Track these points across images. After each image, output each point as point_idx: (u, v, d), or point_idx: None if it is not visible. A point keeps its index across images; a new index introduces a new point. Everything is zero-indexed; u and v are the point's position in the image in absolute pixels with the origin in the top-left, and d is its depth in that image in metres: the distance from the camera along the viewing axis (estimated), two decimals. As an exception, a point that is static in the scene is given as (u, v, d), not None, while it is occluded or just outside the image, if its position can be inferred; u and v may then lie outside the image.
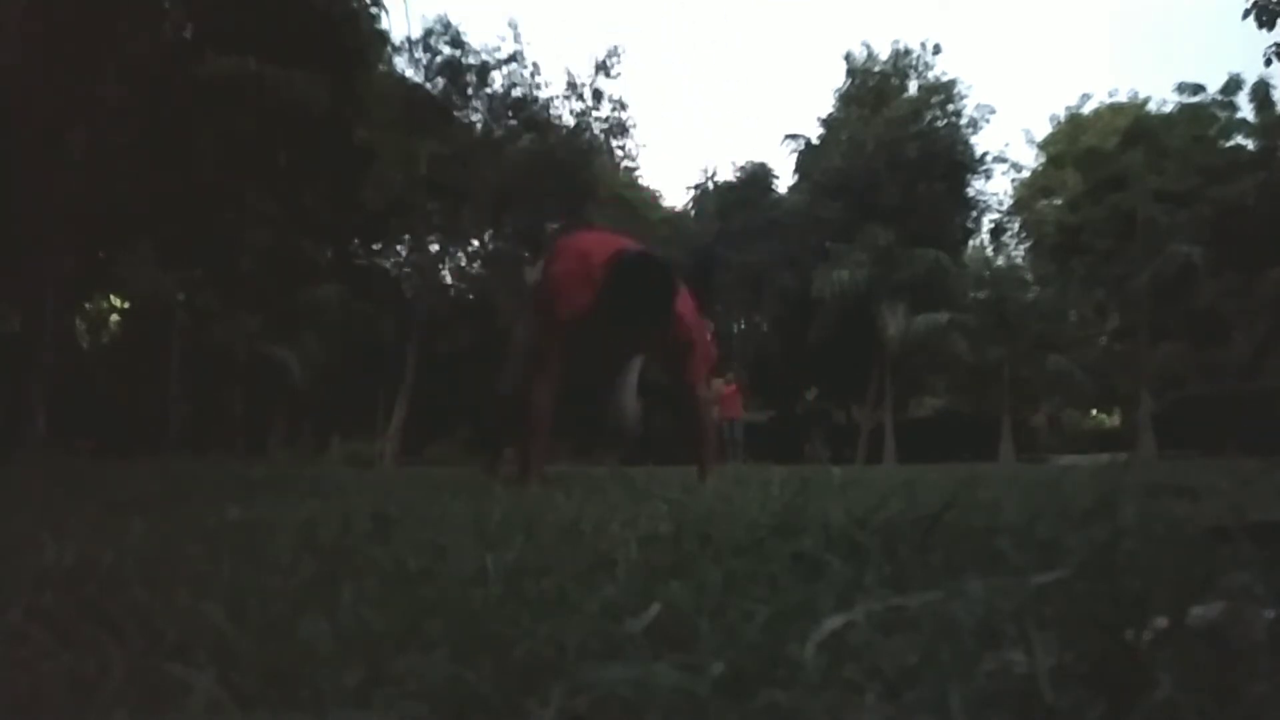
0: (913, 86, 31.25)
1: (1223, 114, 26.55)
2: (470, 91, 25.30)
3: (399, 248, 27.85)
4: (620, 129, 26.76)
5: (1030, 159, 40.55)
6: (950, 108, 30.56)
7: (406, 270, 27.63)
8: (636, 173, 32.25)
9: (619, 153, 27.96)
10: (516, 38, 27.32)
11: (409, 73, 24.62)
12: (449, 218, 25.72)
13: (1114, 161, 25.78)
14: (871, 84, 31.21)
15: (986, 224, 34.06)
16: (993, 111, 34.57)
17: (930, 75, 31.21)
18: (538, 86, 25.81)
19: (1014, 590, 0.67)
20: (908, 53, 31.43)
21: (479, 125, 25.55)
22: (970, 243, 34.54)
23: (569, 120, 26.27)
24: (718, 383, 14.29)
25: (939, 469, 6.10)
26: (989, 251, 36.78)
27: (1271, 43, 10.76)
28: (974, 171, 30.80)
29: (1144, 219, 24.10)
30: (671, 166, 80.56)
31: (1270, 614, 0.60)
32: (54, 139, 11.21)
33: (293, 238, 17.26)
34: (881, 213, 27.25)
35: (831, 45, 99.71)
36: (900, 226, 26.90)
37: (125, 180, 12.72)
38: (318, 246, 20.73)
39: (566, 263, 3.29)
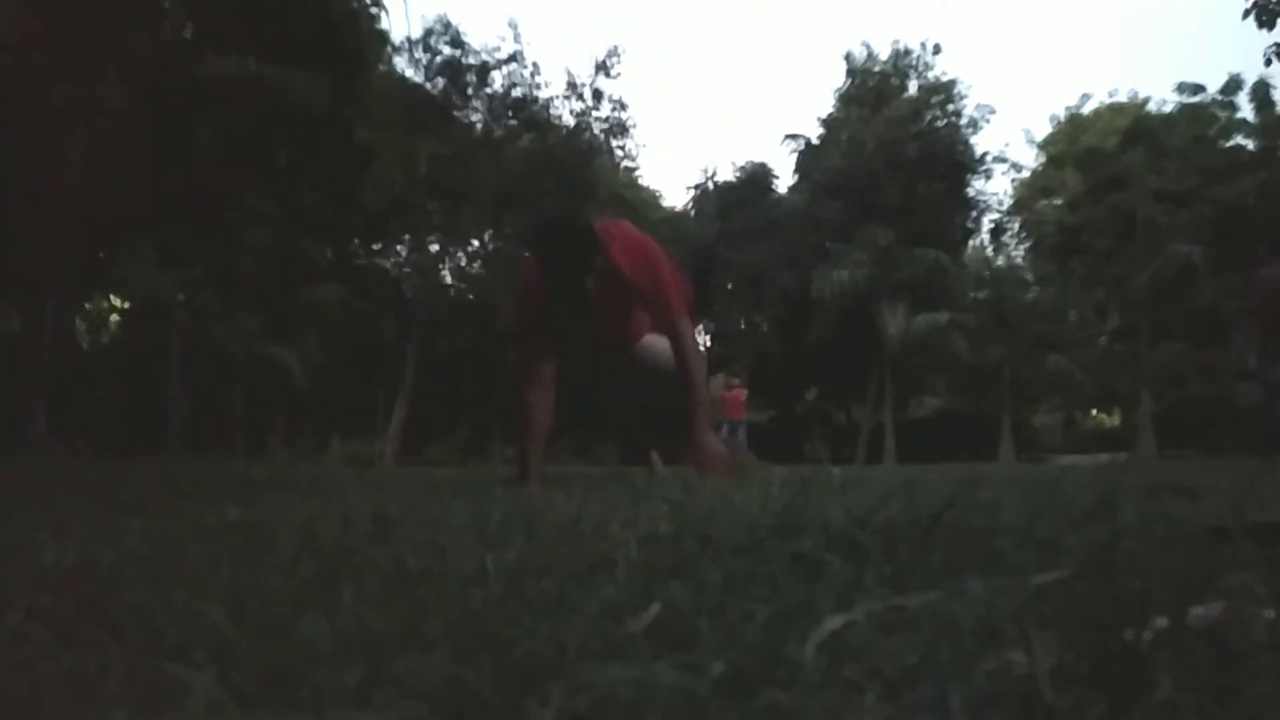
0: (913, 86, 31.27)
1: (1223, 114, 26.56)
2: (470, 91, 25.31)
3: (399, 248, 27.86)
4: (620, 129, 26.77)
5: (1030, 159, 40.63)
6: (950, 108, 30.58)
7: (406, 270, 27.64)
8: (636, 173, 32.29)
9: (619, 153, 27.98)
10: (516, 38, 27.34)
11: (409, 73, 24.65)
12: (449, 218, 25.72)
13: (1114, 161, 25.80)
14: (871, 84, 31.22)
15: (986, 224, 34.11)
16: (993, 111, 34.63)
17: (930, 75, 31.25)
18: (538, 86, 25.83)
19: (1014, 590, 0.67)
20: (908, 53, 31.46)
21: (479, 125, 25.55)
22: (970, 243, 34.57)
23: (569, 120, 26.29)
24: (715, 382, 14.30)
25: (939, 469, 6.10)
26: (989, 251, 36.81)
27: (1271, 43, 10.77)
28: (974, 171, 30.82)
29: (1144, 219, 24.12)
30: (671, 166, 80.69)
31: (1270, 614, 0.60)
32: (54, 139, 11.21)
33: (293, 238, 17.26)
34: (881, 213, 27.27)
35: (831, 45, 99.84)
36: (900, 226, 26.92)
37: (125, 180, 12.72)
38: (318, 246, 20.73)
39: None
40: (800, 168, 31.16)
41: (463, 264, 29.34)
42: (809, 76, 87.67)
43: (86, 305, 18.84)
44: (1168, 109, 28.65)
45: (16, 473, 4.05)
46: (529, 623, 0.63)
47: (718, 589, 0.74)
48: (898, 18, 73.49)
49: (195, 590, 0.74)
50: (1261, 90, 25.32)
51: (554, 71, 53.85)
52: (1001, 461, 21.50)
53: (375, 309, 22.09)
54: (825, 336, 26.74)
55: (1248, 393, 18.59)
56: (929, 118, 30.17)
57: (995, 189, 54.23)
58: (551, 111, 26.06)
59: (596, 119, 26.37)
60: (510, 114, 25.62)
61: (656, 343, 3.39)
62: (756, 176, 31.03)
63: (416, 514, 1.51)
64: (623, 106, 26.51)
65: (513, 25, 33.29)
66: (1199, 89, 26.68)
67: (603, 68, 26.03)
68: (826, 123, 31.81)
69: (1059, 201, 32.72)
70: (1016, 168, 37.13)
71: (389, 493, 2.48)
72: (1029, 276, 32.13)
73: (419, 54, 24.76)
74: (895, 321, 25.86)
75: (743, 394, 15.80)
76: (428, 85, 24.79)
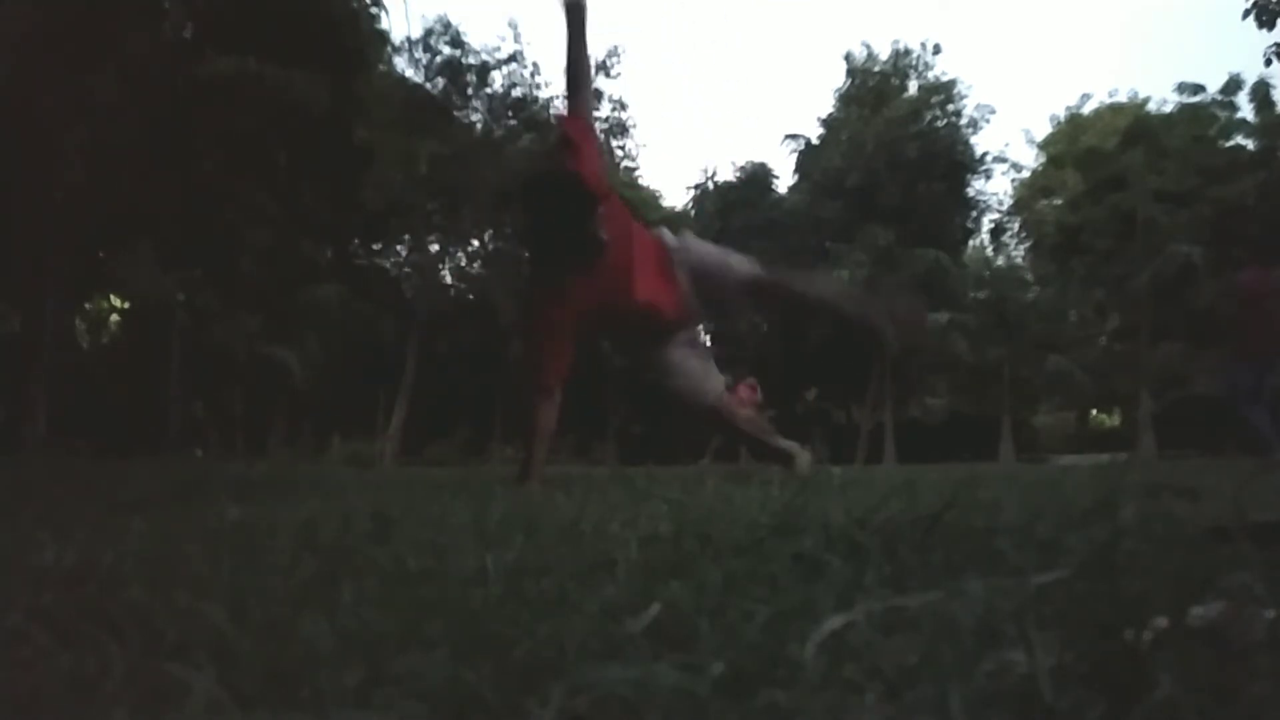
0: (913, 86, 31.28)
1: (1223, 114, 26.55)
2: (470, 91, 25.32)
3: (399, 248, 27.87)
4: (620, 129, 26.79)
5: (1030, 159, 40.67)
6: (950, 108, 30.60)
7: (406, 270, 27.65)
8: (636, 173, 32.28)
9: (619, 153, 27.99)
10: (516, 38, 27.44)
11: (409, 73, 24.67)
12: (449, 218, 25.74)
13: (1114, 161, 25.79)
14: (871, 84, 31.23)
15: (986, 224, 34.12)
16: (993, 111, 34.68)
17: (930, 75, 31.26)
18: (538, 86, 25.85)
19: (1014, 590, 0.67)
20: (908, 53, 31.47)
21: (479, 125, 25.56)
22: (970, 243, 34.57)
23: (569, 120, 26.27)
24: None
25: (939, 469, 6.10)
26: (989, 251, 36.81)
27: (1271, 43, 10.77)
28: (974, 171, 30.84)
29: (1144, 219, 24.11)
30: (671, 166, 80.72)
31: (1270, 614, 0.60)
32: (54, 139, 11.20)
33: (293, 238, 17.25)
34: (881, 213, 27.28)
35: (831, 45, 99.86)
36: (900, 226, 26.93)
37: (125, 180, 12.71)
38: (318, 246, 20.72)
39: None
40: (800, 168, 31.18)
41: (463, 264, 29.37)
42: (809, 76, 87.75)
43: (86, 305, 18.84)
44: (1168, 109, 28.67)
45: (16, 473, 4.05)
46: (529, 623, 0.63)
47: (718, 589, 0.74)
48: (898, 18, 73.55)
49: (195, 590, 0.74)
50: (1261, 90, 25.32)
51: (554, 71, 53.84)
52: (1001, 461, 21.50)
53: (375, 309, 22.11)
54: (825, 336, 26.75)
55: (1208, 382, 18.57)
56: (929, 118, 30.18)
57: (995, 189, 54.35)
58: (551, 111, 26.07)
59: (597, 119, 26.39)
60: (510, 114, 25.64)
61: (688, 364, 3.38)
62: (756, 176, 31.05)
63: (416, 514, 1.51)
64: (623, 106, 26.57)
65: (513, 25, 33.36)
66: (1199, 89, 26.69)
67: (603, 68, 26.07)
68: (826, 123, 31.83)
69: (1059, 201, 32.72)
70: (1016, 168, 37.18)
71: (389, 493, 2.47)
72: (1029, 276, 32.14)
73: (419, 54, 24.80)
74: (895, 321, 25.86)
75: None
76: (428, 85, 24.82)
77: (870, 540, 0.96)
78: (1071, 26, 78.40)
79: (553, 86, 28.05)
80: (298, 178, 15.94)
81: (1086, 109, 38.76)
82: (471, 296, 27.67)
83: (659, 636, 0.60)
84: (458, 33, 25.12)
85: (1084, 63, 78.93)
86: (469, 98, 25.41)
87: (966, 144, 30.25)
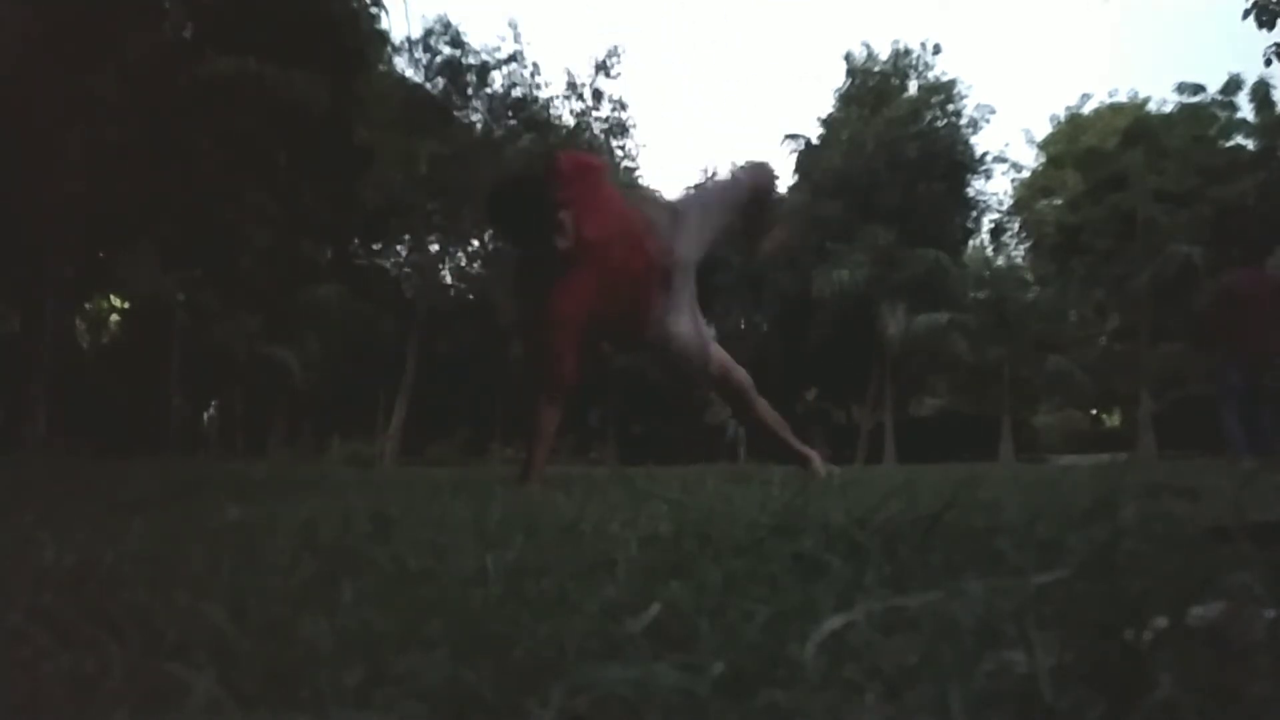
0: (913, 86, 31.27)
1: (1223, 114, 26.55)
2: (470, 91, 25.32)
3: (399, 248, 27.87)
4: (620, 129, 26.79)
5: (1030, 159, 40.65)
6: (950, 108, 30.58)
7: (406, 270, 27.65)
8: (636, 173, 32.26)
9: (619, 153, 27.98)
10: (516, 38, 27.40)
11: (409, 73, 24.67)
12: (449, 218, 25.74)
13: (1114, 161, 25.79)
14: (871, 84, 31.21)
15: (986, 224, 34.11)
16: (993, 111, 34.63)
17: (930, 75, 31.23)
18: (538, 86, 25.85)
19: (1014, 590, 0.67)
20: (908, 53, 31.45)
21: (479, 125, 25.56)
22: (970, 243, 34.56)
23: (569, 120, 26.30)
24: None
25: (939, 469, 6.10)
26: (989, 251, 36.80)
27: (1271, 43, 10.75)
28: (974, 171, 30.82)
29: (1144, 219, 24.11)
30: (671, 166, 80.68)
31: (1270, 614, 0.60)
32: (53, 138, 11.20)
33: (293, 238, 17.26)
34: (881, 213, 27.26)
35: (831, 45, 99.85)
36: (900, 226, 26.91)
37: (125, 180, 12.72)
38: (318, 246, 20.73)
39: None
40: (800, 168, 31.15)
41: (463, 264, 29.37)
42: (809, 76, 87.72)
43: (86, 305, 18.84)
44: (1168, 109, 28.67)
45: (16, 473, 4.05)
46: (529, 623, 0.63)
47: (718, 589, 0.74)
48: (898, 18, 73.55)
49: (195, 590, 0.74)
50: (1261, 90, 25.31)
51: (554, 71, 53.87)
52: (1001, 461, 21.50)
53: (375, 309, 22.10)
54: (825, 336, 26.74)
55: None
56: (929, 118, 30.16)
57: (995, 189, 54.29)
58: (551, 111, 26.09)
59: (596, 119, 26.39)
60: (510, 114, 25.64)
61: (690, 333, 3.36)
62: (756, 176, 31.00)
63: (416, 514, 1.51)
64: (623, 106, 26.55)
65: (513, 25, 33.36)
66: (1199, 89, 26.68)
67: (603, 68, 26.08)
68: (826, 123, 31.81)
69: (1059, 201, 32.72)
70: (1016, 168, 37.17)
71: (389, 493, 2.47)
72: (1029, 276, 32.12)
73: (419, 54, 24.80)
74: (895, 321, 25.86)
75: None
76: (428, 85, 24.81)
77: (870, 540, 0.96)
78: (1072, 26, 78.43)
79: (553, 86, 28.09)
80: (298, 178, 15.94)
81: (1086, 109, 38.79)
82: (471, 296, 27.67)
83: (659, 636, 0.60)
84: (458, 33, 25.14)
85: (1084, 63, 78.95)
86: (469, 98, 25.41)
87: (966, 144, 30.24)
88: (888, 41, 36.95)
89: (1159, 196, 24.13)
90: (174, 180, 13.45)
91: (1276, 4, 10.26)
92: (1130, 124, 28.20)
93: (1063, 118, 39.37)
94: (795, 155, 31.37)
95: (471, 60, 25.16)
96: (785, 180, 31.76)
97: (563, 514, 1.46)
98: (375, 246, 26.86)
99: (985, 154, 31.06)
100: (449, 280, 29.03)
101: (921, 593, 0.66)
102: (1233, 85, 26.34)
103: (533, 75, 25.72)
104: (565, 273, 3.06)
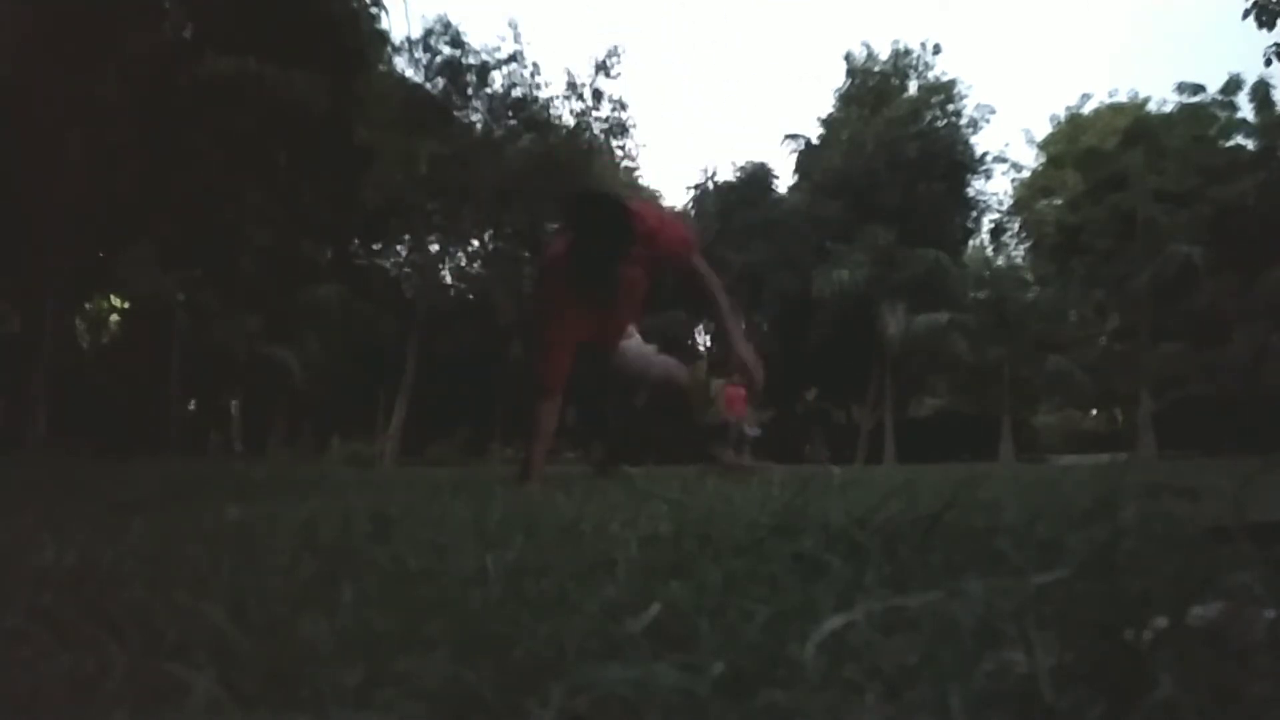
0: (913, 86, 31.28)
1: (1223, 114, 26.54)
2: (470, 91, 25.31)
3: (399, 248, 27.86)
4: (620, 129, 26.77)
5: (1030, 159, 40.67)
6: (950, 108, 30.60)
7: (406, 270, 27.65)
8: (636, 173, 32.30)
9: (619, 153, 27.99)
10: (516, 38, 27.37)
11: (409, 73, 24.66)
12: (449, 218, 25.73)
13: (1114, 161, 25.78)
14: (871, 84, 31.23)
15: (986, 224, 34.12)
16: (993, 111, 34.65)
17: (930, 75, 31.25)
18: (538, 86, 25.83)
19: (1014, 590, 0.67)
20: (908, 53, 31.47)
21: (479, 125, 25.55)
22: (970, 243, 34.56)
23: (569, 120, 26.29)
24: (718, 383, 14.32)
25: (939, 469, 6.10)
26: (989, 251, 36.81)
27: (1271, 43, 10.77)
28: (974, 171, 30.83)
29: (1144, 219, 24.10)
30: (671, 166, 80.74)
31: (1270, 614, 0.60)
32: (53, 139, 11.20)
33: (293, 238, 17.26)
34: (881, 213, 27.26)
35: (831, 45, 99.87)
36: (900, 226, 26.91)
37: (125, 180, 12.71)
38: (318, 246, 20.73)
39: (554, 246, 3.48)
40: (800, 168, 31.17)
41: (463, 264, 29.36)
42: (809, 76, 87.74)
43: (86, 305, 18.84)
44: (1168, 109, 28.67)
45: (16, 473, 4.05)
46: (529, 623, 0.63)
47: (718, 589, 0.74)
48: (898, 18, 73.56)
49: (195, 590, 0.74)
50: (1261, 90, 25.30)
51: (554, 71, 53.90)
52: (1001, 461, 21.49)
53: (375, 309, 22.10)
54: (825, 336, 26.74)
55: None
56: (929, 118, 30.17)
57: (995, 189, 54.27)
58: (551, 111, 26.07)
59: (596, 119, 26.38)
60: (510, 114, 25.62)
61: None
62: (756, 176, 31.02)
63: (416, 514, 1.51)
64: (623, 106, 26.52)
65: (513, 25, 33.34)
66: (1199, 89, 26.67)
67: (603, 68, 26.05)
68: (826, 123, 31.83)
69: (1059, 201, 32.72)
70: (1016, 168, 37.19)
71: (389, 493, 2.47)
72: (1029, 276, 32.11)
73: (419, 54, 24.78)
74: (895, 321, 25.85)
75: (746, 394, 15.78)
76: (428, 85, 24.80)
77: (870, 540, 0.96)
78: (1071, 26, 78.43)
79: (553, 87, 28.08)
80: (298, 178, 15.94)
81: (1086, 109, 38.80)
82: (471, 296, 27.66)
83: (659, 636, 0.60)
84: (458, 33, 25.12)
85: (1084, 63, 78.95)
86: (469, 98, 25.39)
87: (966, 144, 30.25)
88: (888, 41, 37.00)
89: (1159, 196, 24.12)
90: (174, 180, 13.45)
91: (1276, 4, 10.26)
92: (1130, 124, 28.20)
93: (1063, 118, 39.41)
94: (795, 155, 31.40)
95: (471, 60, 25.15)
96: (785, 180, 31.83)
97: (563, 514, 1.46)
98: (375, 246, 26.86)
99: (985, 154, 31.12)
100: (449, 280, 29.03)
101: (921, 593, 0.66)
102: (1233, 85, 26.34)
103: (533, 75, 25.72)
104: (607, 299, 3.30)
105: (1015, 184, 37.54)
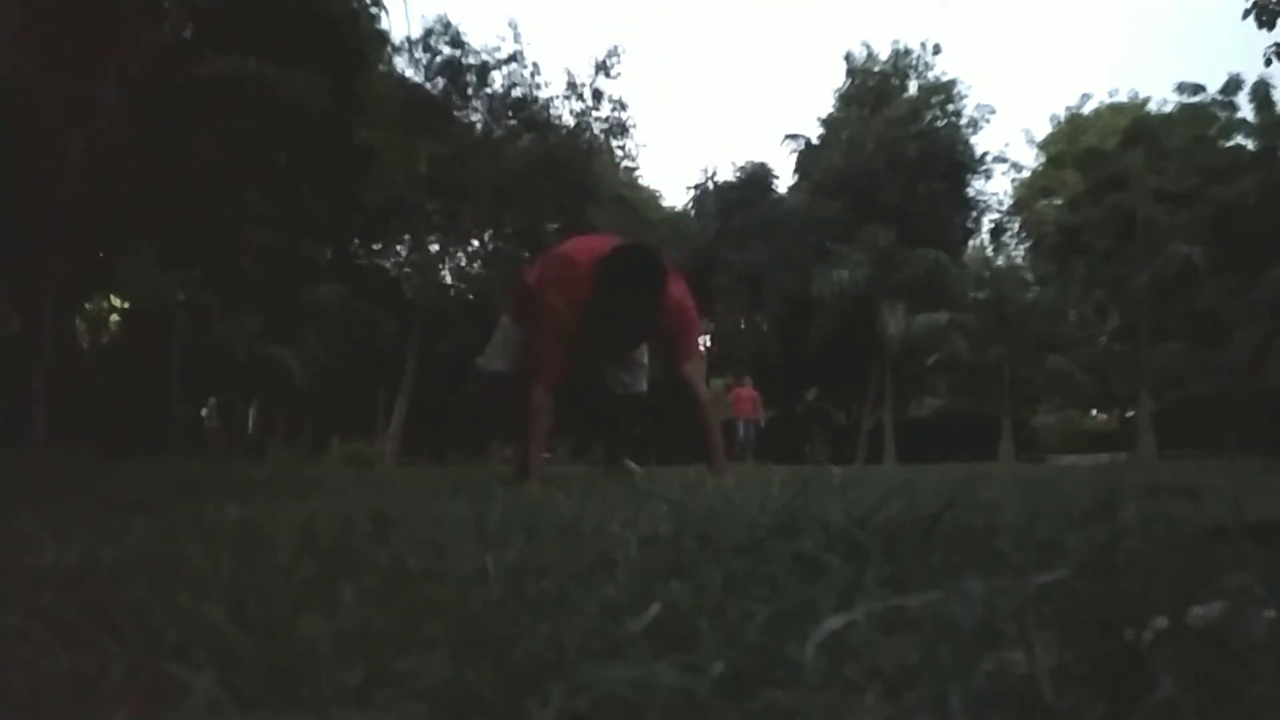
0: (913, 86, 31.27)
1: (1223, 114, 26.51)
2: (470, 91, 25.29)
3: (399, 248, 27.85)
4: (620, 129, 26.74)
5: (1030, 159, 40.62)
6: (950, 108, 30.58)
7: (406, 270, 27.64)
8: (636, 173, 32.31)
9: (619, 153, 27.96)
10: (516, 38, 27.28)
11: (409, 73, 24.63)
12: (449, 218, 25.72)
13: (1114, 161, 25.75)
14: (871, 84, 31.22)
15: (986, 224, 34.10)
16: (993, 111, 34.59)
17: (930, 75, 31.24)
18: (538, 86, 25.81)
19: (1014, 590, 0.67)
20: (908, 53, 31.46)
21: (479, 125, 25.54)
22: (970, 243, 34.56)
23: (569, 120, 26.27)
24: (716, 383, 14.34)
25: (939, 469, 6.10)
26: (989, 251, 36.80)
27: (1271, 43, 10.76)
28: (974, 171, 30.82)
29: (1144, 219, 24.09)
30: (671, 166, 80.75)
31: (1270, 614, 0.60)
32: (53, 139, 11.20)
33: (293, 238, 17.26)
34: (881, 213, 27.26)
35: (831, 45, 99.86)
36: (900, 226, 26.90)
37: (125, 180, 12.71)
38: (318, 246, 20.72)
39: (548, 269, 3.38)
40: (800, 168, 31.15)
41: (463, 264, 29.34)
42: (809, 76, 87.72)
43: (86, 305, 18.84)
44: (1168, 109, 28.62)
45: (16, 473, 4.05)
46: (529, 623, 0.63)
47: (718, 589, 0.74)
48: (898, 18, 73.54)
49: (195, 590, 0.74)
50: (1261, 90, 25.27)
51: (554, 71, 53.82)
52: (1001, 461, 21.49)
53: (375, 309, 22.08)
54: (825, 336, 26.72)
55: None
56: (929, 118, 30.16)
57: (995, 189, 54.20)
58: (551, 111, 26.05)
59: (596, 119, 26.36)
60: (510, 114, 25.60)
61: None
62: (756, 176, 31.02)
63: (416, 514, 1.51)
64: (623, 106, 26.49)
65: (513, 25, 33.27)
66: (1199, 89, 26.64)
67: (603, 68, 26.01)
68: (826, 123, 31.81)
69: (1059, 201, 32.70)
70: (1016, 168, 37.16)
71: (389, 493, 2.47)
72: (1029, 276, 32.10)
73: (419, 54, 24.75)
74: (895, 321, 25.84)
75: (751, 393, 15.74)
76: (428, 85, 24.78)
77: (870, 540, 0.96)
78: (1071, 26, 78.40)
79: (553, 86, 28.06)
80: (298, 178, 15.94)
81: (1086, 109, 38.79)
82: (471, 296, 27.65)
83: (659, 636, 0.60)
84: (458, 33, 25.09)
85: (1084, 63, 78.91)
86: (469, 98, 25.37)
87: (966, 144, 30.24)
88: (888, 41, 36.96)
89: (1159, 196, 24.10)
90: (174, 180, 13.45)
91: (1276, 4, 10.26)
92: (1130, 124, 28.17)
93: (1063, 118, 39.40)
94: (795, 155, 31.39)
95: (471, 60, 25.12)
96: (785, 180, 31.83)
97: (563, 514, 1.46)
98: (375, 246, 26.84)
99: (985, 154, 31.08)
100: (449, 280, 29.01)
101: (921, 593, 0.66)
102: (1233, 85, 26.30)
103: (533, 75, 25.69)
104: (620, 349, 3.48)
105: (1015, 184, 37.55)
